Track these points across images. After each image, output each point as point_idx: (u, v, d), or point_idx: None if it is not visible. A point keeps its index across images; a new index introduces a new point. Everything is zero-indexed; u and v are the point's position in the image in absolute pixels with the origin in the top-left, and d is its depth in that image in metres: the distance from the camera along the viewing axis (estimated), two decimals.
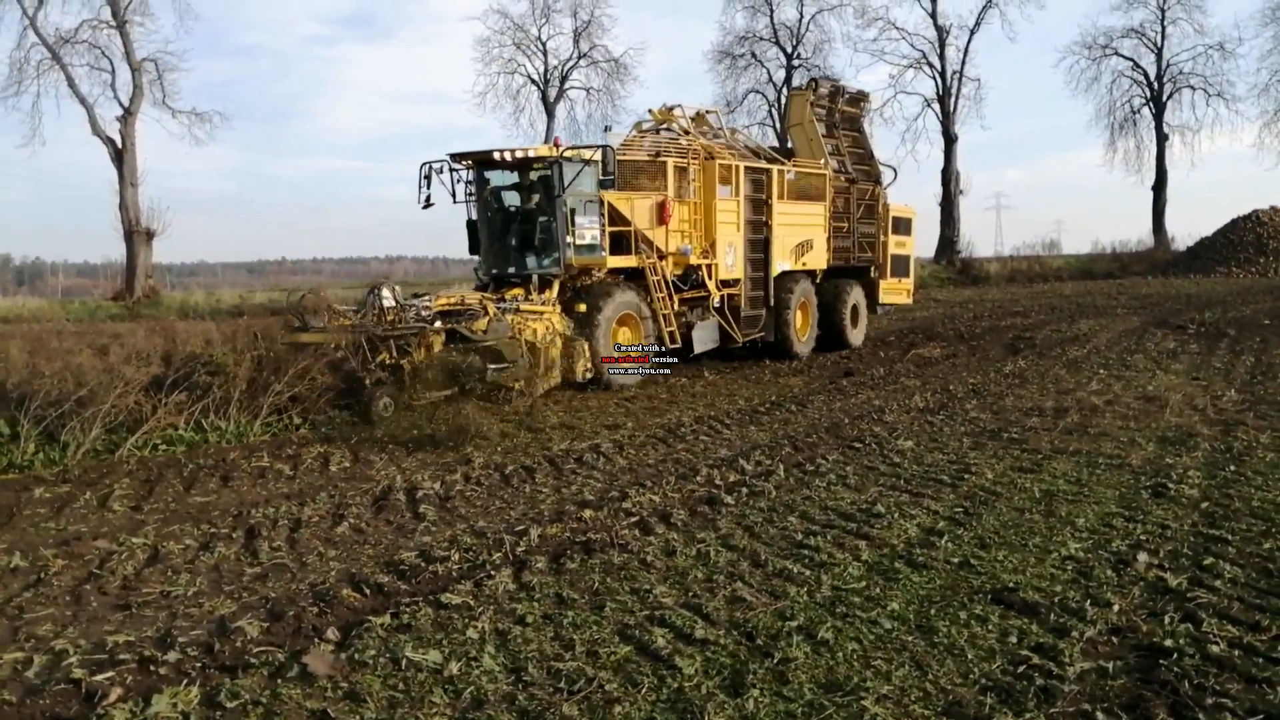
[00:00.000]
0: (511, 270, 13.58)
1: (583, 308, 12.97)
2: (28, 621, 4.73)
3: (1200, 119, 55.45)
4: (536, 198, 13.25)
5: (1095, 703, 3.67)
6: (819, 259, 17.16)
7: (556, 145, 12.92)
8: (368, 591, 5.04)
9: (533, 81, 49.87)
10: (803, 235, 16.66)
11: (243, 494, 7.38)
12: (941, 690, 3.81)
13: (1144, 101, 51.34)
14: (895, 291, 19.64)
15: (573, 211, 13.01)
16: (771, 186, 15.83)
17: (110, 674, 4.01)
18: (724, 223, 15.02)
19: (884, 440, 8.98)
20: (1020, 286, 39.63)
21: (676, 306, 14.26)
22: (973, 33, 48.86)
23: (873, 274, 18.89)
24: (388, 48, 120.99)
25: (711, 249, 14.85)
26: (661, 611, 4.65)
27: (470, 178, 13.68)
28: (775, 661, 4.05)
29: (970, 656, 4.11)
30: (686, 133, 15.42)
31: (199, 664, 4.13)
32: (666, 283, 14.00)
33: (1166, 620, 4.45)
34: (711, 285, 14.95)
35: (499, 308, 11.90)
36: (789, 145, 18.41)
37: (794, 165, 16.95)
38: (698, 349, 14.76)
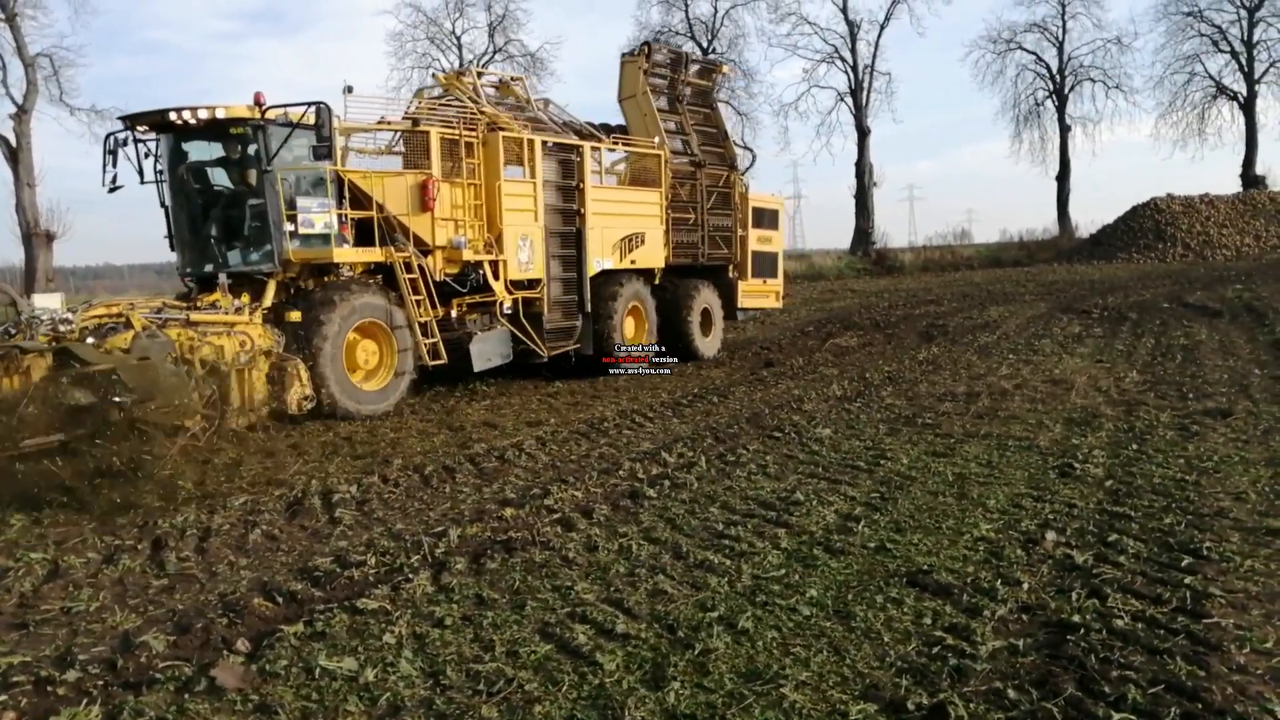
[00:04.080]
0: (210, 268, 10.74)
1: (295, 316, 10.29)
2: None
3: (1100, 110, 57.80)
4: (253, 174, 10.58)
5: (1006, 680, 3.76)
6: (654, 256, 14.67)
7: (258, 103, 10.29)
8: (280, 600, 4.90)
9: None
10: (631, 227, 14.15)
11: (148, 503, 7.08)
12: (859, 674, 3.86)
13: (1047, 94, 53.07)
14: (759, 294, 17.10)
15: (294, 191, 10.63)
16: (584, 168, 13.43)
17: (3, 698, 3.82)
18: (514, 209, 12.48)
19: (803, 429, 9.09)
20: (933, 276, 40.55)
21: (454, 312, 12.12)
22: (882, 27, 49.98)
23: (730, 274, 16.38)
24: (298, 43, 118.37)
25: (497, 242, 12.27)
26: (583, 608, 4.62)
27: (163, 150, 10.94)
28: (696, 653, 4.06)
29: (886, 639, 4.17)
30: (475, 102, 12.91)
31: (101, 682, 3.96)
32: (427, 283, 11.44)
33: (1074, 596, 4.59)
34: (499, 287, 12.37)
35: (159, 318, 9.23)
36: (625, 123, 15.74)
37: (616, 143, 14.64)
38: (478, 365, 12.26)
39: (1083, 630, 4.19)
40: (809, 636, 4.22)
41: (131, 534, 6.29)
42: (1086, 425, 8.72)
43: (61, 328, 8.62)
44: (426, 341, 11.47)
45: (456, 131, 11.88)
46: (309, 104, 10.11)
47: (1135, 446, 7.79)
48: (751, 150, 18.43)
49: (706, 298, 15.67)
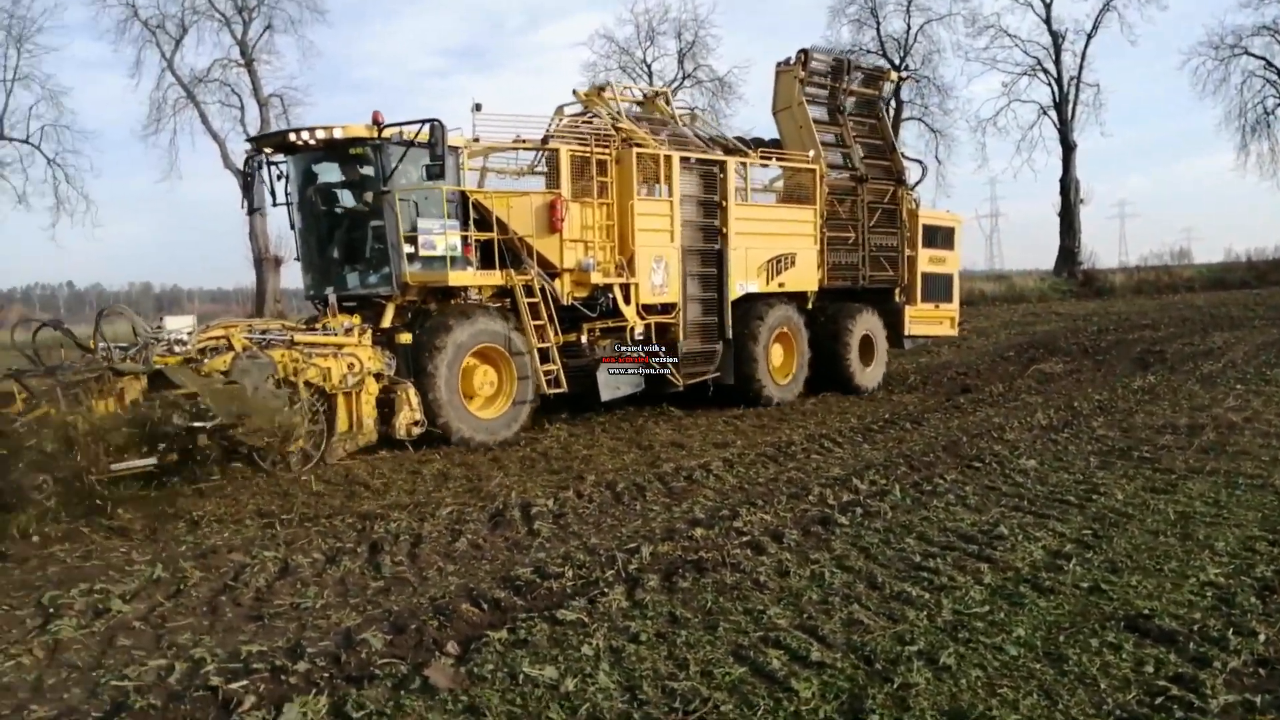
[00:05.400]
0: (331, 290, 10.64)
1: (406, 339, 10.24)
2: (169, 630, 4.98)
3: None
4: (372, 194, 10.55)
5: None
6: (806, 278, 13.71)
7: (376, 122, 10.14)
8: (485, 606, 5.13)
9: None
10: (779, 247, 13.31)
11: (367, 509, 7.61)
12: None
13: (1279, 102, 48.57)
14: (930, 320, 15.63)
15: (415, 211, 10.43)
16: (727, 185, 12.70)
17: (245, 682, 4.17)
18: (648, 229, 11.94)
19: (1005, 459, 8.70)
20: (1148, 298, 37.91)
21: (584, 338, 11.67)
22: (1090, 37, 47.15)
23: (897, 298, 15.09)
24: (498, 78, 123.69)
25: (629, 265, 11.78)
26: (776, 633, 4.59)
27: (292, 171, 11.05)
28: (895, 686, 3.95)
29: (1103, 686, 3.92)
30: (614, 117, 12.35)
31: (327, 674, 4.27)
32: (549, 307, 11.03)
33: None
34: (629, 312, 11.78)
35: (263, 339, 9.12)
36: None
37: (762, 158, 13.71)
38: (606, 395, 11.71)
39: None
40: (1017, 678, 4.03)
41: (351, 537, 6.75)
42: None
43: (176, 349, 8.62)
44: (547, 369, 11.03)
45: (588, 149, 11.50)
46: (423, 121, 9.96)
47: None
48: (923, 163, 16.77)
49: (867, 324, 14.51)
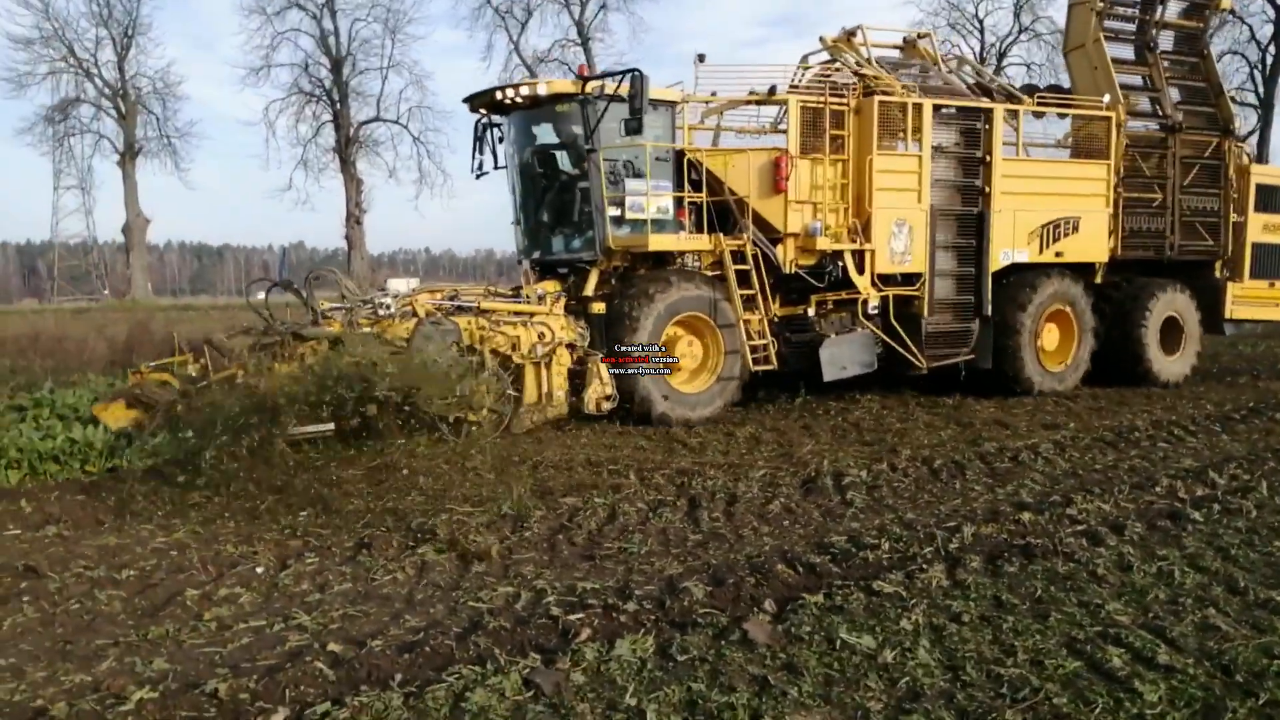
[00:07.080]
0: (538, 255, 10.53)
1: (600, 308, 9.63)
2: (515, 561, 5.51)
3: None
4: (579, 155, 10.08)
5: None
6: (1092, 246, 11.87)
7: (580, 76, 9.70)
8: (800, 569, 5.18)
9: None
10: (1058, 209, 11.58)
11: (684, 465, 7.91)
12: None
13: None
14: (1262, 300, 13.20)
15: (628, 172, 9.88)
16: (993, 137, 11.18)
17: (581, 615, 4.52)
18: (889, 189, 10.64)
19: None
20: None
21: (812, 311, 10.71)
22: None
23: (1216, 273, 12.89)
24: (814, 43, 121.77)
25: (863, 229, 10.57)
26: (1116, 629, 4.27)
27: (511, 132, 10.68)
28: (1260, 703, 3.56)
29: None
30: (863, 64, 11.09)
31: (653, 617, 4.52)
32: (761, 275, 10.14)
33: None
34: (862, 282, 10.66)
35: (451, 305, 9.03)
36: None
37: (1039, 102, 11.95)
38: (829, 374, 10.50)
39: None
40: None
41: (671, 491, 7.08)
42: None
43: (380, 312, 8.64)
44: (756, 343, 10.17)
45: (821, 99, 10.38)
46: (624, 72, 9.39)
47: None
48: (1259, 109, 13.42)
49: (1173, 303, 12.47)
